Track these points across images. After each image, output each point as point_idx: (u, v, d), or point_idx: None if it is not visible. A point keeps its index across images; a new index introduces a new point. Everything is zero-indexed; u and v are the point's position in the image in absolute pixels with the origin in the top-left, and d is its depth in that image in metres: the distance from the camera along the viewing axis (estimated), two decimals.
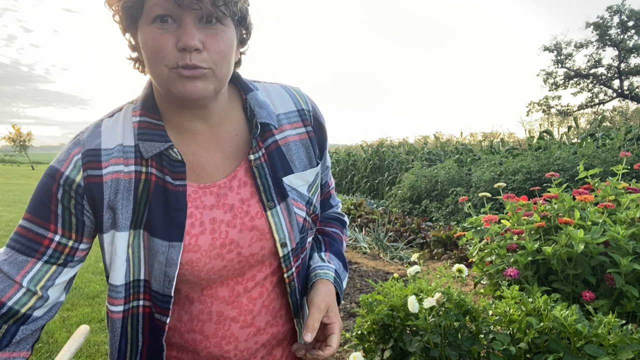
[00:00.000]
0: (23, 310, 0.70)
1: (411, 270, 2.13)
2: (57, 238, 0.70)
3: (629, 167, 3.13)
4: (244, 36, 0.76)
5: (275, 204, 0.76)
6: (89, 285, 4.63)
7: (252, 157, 0.76)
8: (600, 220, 2.11)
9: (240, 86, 0.82)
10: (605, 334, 1.27)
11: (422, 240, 5.58)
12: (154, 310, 0.73)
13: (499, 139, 12.36)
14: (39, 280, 0.70)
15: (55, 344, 3.23)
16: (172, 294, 0.70)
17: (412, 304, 1.60)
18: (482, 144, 13.29)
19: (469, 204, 3.18)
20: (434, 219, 6.64)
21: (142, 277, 0.72)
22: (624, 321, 1.34)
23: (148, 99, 0.75)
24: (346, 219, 1.02)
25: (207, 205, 0.74)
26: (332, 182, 0.99)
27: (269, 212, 0.76)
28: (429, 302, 1.61)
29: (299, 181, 0.80)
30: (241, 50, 0.79)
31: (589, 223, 2.14)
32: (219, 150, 0.77)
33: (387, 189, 10.28)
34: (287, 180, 0.78)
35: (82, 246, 0.73)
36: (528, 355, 1.44)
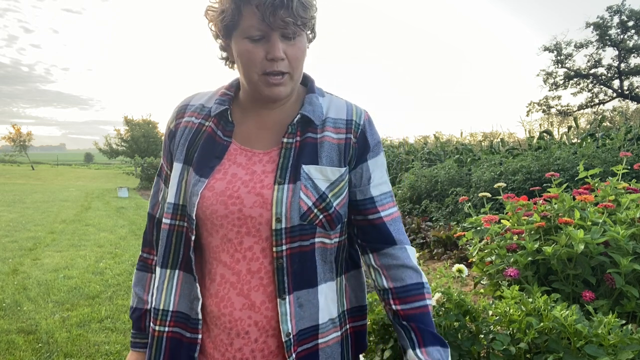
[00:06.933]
0: (160, 218, 1.01)
1: None
2: (165, 167, 1.02)
3: (629, 167, 3.13)
4: (310, 36, 0.94)
5: (285, 183, 0.87)
6: (89, 285, 4.64)
7: (284, 140, 0.91)
8: (600, 221, 2.11)
9: (308, 88, 0.98)
10: (605, 334, 1.27)
11: (422, 240, 5.59)
12: (188, 229, 0.92)
13: (499, 139, 12.35)
14: (164, 197, 1.01)
15: (55, 344, 3.23)
16: (194, 217, 0.89)
17: None
18: (482, 144, 13.28)
19: (469, 204, 3.17)
20: (434, 219, 6.63)
21: (184, 203, 0.92)
22: (624, 321, 1.34)
23: (234, 83, 1.00)
24: (421, 273, 0.97)
25: (237, 162, 0.92)
26: (390, 208, 0.96)
27: (276, 187, 0.87)
28: None
29: (318, 174, 0.90)
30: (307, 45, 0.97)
31: (589, 223, 2.13)
32: (268, 130, 0.94)
33: None
34: (307, 168, 0.89)
35: (169, 172, 0.99)
36: (528, 355, 1.44)
